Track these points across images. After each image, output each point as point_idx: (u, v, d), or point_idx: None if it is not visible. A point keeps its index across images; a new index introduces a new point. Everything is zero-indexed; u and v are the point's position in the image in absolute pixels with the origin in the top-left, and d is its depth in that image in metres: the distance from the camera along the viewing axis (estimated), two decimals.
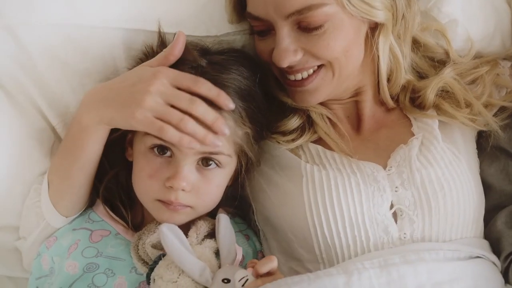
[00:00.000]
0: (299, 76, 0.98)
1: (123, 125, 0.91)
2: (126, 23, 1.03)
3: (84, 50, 1.03)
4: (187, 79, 0.89)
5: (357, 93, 1.06)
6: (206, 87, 0.89)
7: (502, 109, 1.10)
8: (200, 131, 0.87)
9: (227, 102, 0.90)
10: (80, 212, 1.02)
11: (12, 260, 1.10)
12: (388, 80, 1.04)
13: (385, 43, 0.99)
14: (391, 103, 1.05)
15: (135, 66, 0.97)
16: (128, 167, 1.01)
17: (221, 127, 0.88)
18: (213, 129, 0.88)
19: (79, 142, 0.94)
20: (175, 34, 0.95)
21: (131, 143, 1.00)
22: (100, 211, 1.03)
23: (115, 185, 1.04)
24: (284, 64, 0.96)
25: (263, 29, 0.99)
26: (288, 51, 0.95)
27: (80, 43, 1.03)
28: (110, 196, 1.04)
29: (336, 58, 0.96)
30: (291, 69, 0.98)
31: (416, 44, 1.07)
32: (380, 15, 0.96)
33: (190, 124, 0.87)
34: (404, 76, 1.04)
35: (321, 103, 1.04)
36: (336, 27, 0.94)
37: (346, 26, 0.95)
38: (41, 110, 1.04)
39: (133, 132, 0.98)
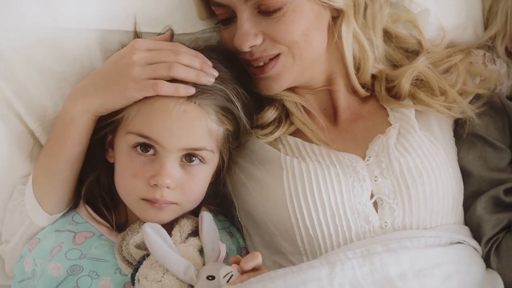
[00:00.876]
0: (261, 63, 1.01)
1: (117, 103, 0.93)
2: (101, 24, 1.04)
3: (60, 53, 1.04)
4: (165, 43, 0.94)
5: (329, 82, 1.08)
6: (185, 48, 0.94)
7: (477, 96, 1.13)
8: (191, 72, 0.92)
9: (205, 60, 0.95)
10: (64, 211, 1.03)
11: None
12: (358, 68, 1.06)
13: (347, 32, 1.01)
14: (362, 91, 1.08)
15: None
16: (109, 169, 1.02)
17: (210, 69, 0.94)
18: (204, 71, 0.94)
19: (64, 136, 0.96)
20: (150, 32, 0.98)
21: (111, 144, 1.01)
22: (84, 213, 1.04)
23: (97, 187, 1.05)
24: (245, 47, 0.98)
25: (227, 17, 1.01)
26: (249, 34, 0.97)
27: (56, 46, 1.04)
28: (93, 198, 1.04)
29: (295, 42, 0.98)
30: (252, 57, 1.00)
31: (388, 35, 1.10)
32: (339, 1, 0.99)
33: (181, 68, 0.91)
34: (374, 65, 1.06)
35: (294, 92, 1.06)
36: (295, 10, 0.96)
37: (306, 9, 0.97)
38: (19, 114, 1.05)
39: (114, 133, 0.99)
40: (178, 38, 1.04)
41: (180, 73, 0.92)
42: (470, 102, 1.11)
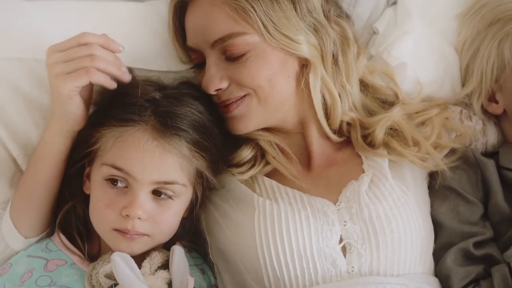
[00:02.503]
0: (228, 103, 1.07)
1: (67, 110, 0.98)
2: None
3: (46, 83, 1.09)
4: (71, 39, 0.97)
5: (302, 126, 1.14)
6: (92, 36, 0.97)
7: (452, 151, 1.19)
8: (111, 65, 0.97)
9: (117, 45, 0.99)
10: (39, 236, 1.07)
11: None
12: (329, 115, 1.11)
13: (315, 80, 1.08)
14: (334, 137, 1.13)
15: None
16: (86, 200, 1.07)
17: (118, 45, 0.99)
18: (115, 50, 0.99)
19: (41, 157, 1.03)
20: (140, 69, 1.06)
21: (88, 176, 1.06)
22: (58, 241, 1.07)
23: (74, 216, 1.09)
24: (211, 90, 1.05)
25: (200, 61, 1.09)
26: (215, 78, 1.05)
27: (44, 78, 1.09)
28: (68, 226, 1.09)
29: (259, 86, 1.05)
30: (219, 100, 1.07)
31: (365, 85, 1.17)
32: (304, 50, 1.06)
33: (100, 59, 0.95)
34: (346, 113, 1.11)
35: (270, 133, 1.12)
36: (258, 56, 1.04)
37: (269, 56, 1.04)
38: (2, 140, 1.10)
39: (91, 165, 1.04)
40: (162, 75, 1.12)
41: (102, 64, 0.96)
42: (445, 156, 1.17)
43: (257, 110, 1.07)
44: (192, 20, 1.08)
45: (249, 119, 1.08)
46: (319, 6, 1.09)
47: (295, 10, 1.05)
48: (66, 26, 1.09)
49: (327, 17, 1.10)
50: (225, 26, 1.03)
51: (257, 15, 1.02)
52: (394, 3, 1.32)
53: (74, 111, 0.99)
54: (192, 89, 1.09)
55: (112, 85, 1.00)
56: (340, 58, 1.10)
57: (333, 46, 1.09)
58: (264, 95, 1.06)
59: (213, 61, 1.05)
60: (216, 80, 1.05)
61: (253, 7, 1.02)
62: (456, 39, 1.25)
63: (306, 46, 1.05)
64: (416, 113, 1.17)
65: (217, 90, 1.06)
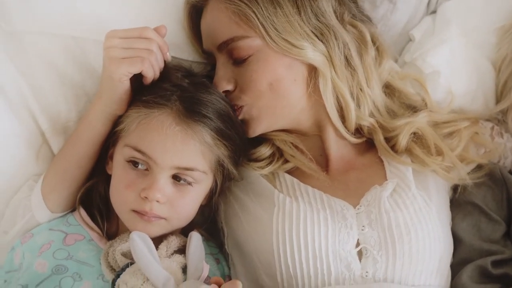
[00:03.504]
0: None
1: (111, 90, 1.02)
2: None
3: (81, 62, 1.15)
4: (134, 29, 1.01)
5: (319, 129, 1.15)
6: (155, 33, 1.01)
7: (479, 167, 1.19)
8: (160, 52, 1.02)
9: (168, 53, 1.05)
10: (64, 213, 1.11)
11: None
12: (345, 118, 1.12)
13: (325, 84, 1.08)
14: (351, 139, 1.13)
15: None
16: (107, 179, 1.10)
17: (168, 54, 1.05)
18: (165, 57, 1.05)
19: (79, 135, 1.07)
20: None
21: (111, 157, 1.10)
22: (78, 216, 1.11)
23: (96, 194, 1.13)
24: (219, 90, 1.08)
25: (214, 63, 1.13)
26: (222, 79, 1.09)
27: (78, 55, 1.15)
28: (90, 204, 1.12)
29: (259, 91, 1.07)
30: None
31: (391, 89, 1.18)
32: (308, 56, 1.06)
33: (156, 50, 1.01)
34: (364, 118, 1.11)
35: (290, 133, 1.14)
36: (260, 60, 1.06)
37: (272, 60, 1.06)
38: (33, 112, 1.15)
39: (114, 146, 1.07)
40: (197, 65, 1.16)
41: (154, 62, 1.01)
42: (471, 171, 1.17)
43: (263, 115, 1.09)
44: (203, 24, 1.13)
45: (256, 123, 1.10)
46: (330, 9, 1.09)
47: (299, 14, 1.06)
48: (102, 5, 1.13)
49: (340, 20, 1.11)
50: (228, 30, 1.06)
51: (258, 20, 1.04)
52: (433, 12, 1.33)
53: (121, 95, 1.02)
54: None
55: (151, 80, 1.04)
56: (355, 61, 1.11)
57: (346, 49, 1.10)
58: (265, 102, 1.08)
59: (221, 63, 1.09)
60: (223, 82, 1.09)
61: (254, 12, 1.04)
62: (494, 54, 1.25)
63: (310, 52, 1.06)
64: (444, 123, 1.17)
65: (224, 92, 1.09)
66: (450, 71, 1.22)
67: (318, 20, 1.08)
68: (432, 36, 1.26)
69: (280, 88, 1.08)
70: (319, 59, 1.07)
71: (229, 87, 1.09)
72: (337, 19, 1.11)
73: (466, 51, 1.24)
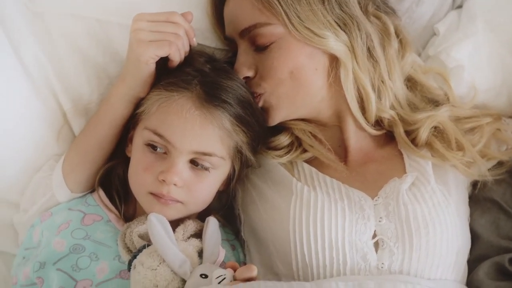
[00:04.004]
0: None
1: (140, 75, 1.04)
2: None
3: (104, 45, 1.17)
4: (162, 13, 1.03)
5: (338, 119, 1.15)
6: (182, 18, 1.03)
7: (500, 164, 1.18)
8: (186, 38, 1.04)
9: (195, 38, 1.07)
10: (84, 193, 1.13)
11: (6, 235, 1.20)
12: (365, 109, 1.12)
13: (346, 74, 1.09)
14: (371, 130, 1.13)
15: None
16: (126, 162, 1.12)
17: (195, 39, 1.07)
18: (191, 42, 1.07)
19: (101, 117, 1.09)
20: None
21: (131, 140, 1.11)
22: (97, 197, 1.13)
23: (115, 176, 1.15)
24: (240, 76, 1.09)
25: (236, 51, 1.13)
26: (243, 66, 1.09)
27: (102, 38, 1.17)
28: (109, 185, 1.14)
29: (279, 79, 1.08)
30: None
31: (413, 83, 1.18)
32: (330, 45, 1.07)
33: (183, 35, 1.03)
34: (385, 110, 1.12)
35: (310, 123, 1.14)
36: (281, 47, 1.07)
37: (293, 48, 1.07)
38: (56, 93, 1.17)
39: (134, 128, 1.09)
40: (220, 52, 1.17)
41: (181, 46, 1.03)
42: (492, 168, 1.17)
43: (283, 103, 1.10)
44: (226, 10, 1.14)
45: (275, 111, 1.11)
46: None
47: (323, 3, 1.06)
48: None
49: (364, 11, 1.11)
50: (251, 16, 1.07)
51: (281, 7, 1.05)
52: (459, 6, 1.32)
53: (146, 78, 1.04)
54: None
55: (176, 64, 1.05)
56: (378, 52, 1.11)
57: (369, 40, 1.10)
58: (285, 90, 1.08)
59: (243, 49, 1.10)
60: (244, 68, 1.09)
61: None
62: None
63: (332, 41, 1.07)
64: (466, 118, 1.17)
65: (244, 78, 1.09)
66: (473, 66, 1.21)
67: (342, 10, 1.08)
68: (457, 31, 1.26)
69: (301, 77, 1.08)
70: (341, 49, 1.07)
71: (250, 73, 1.09)
72: (361, 10, 1.11)
73: (491, 47, 1.24)
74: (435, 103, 1.17)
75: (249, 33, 1.08)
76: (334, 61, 1.09)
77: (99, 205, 1.12)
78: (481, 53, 1.22)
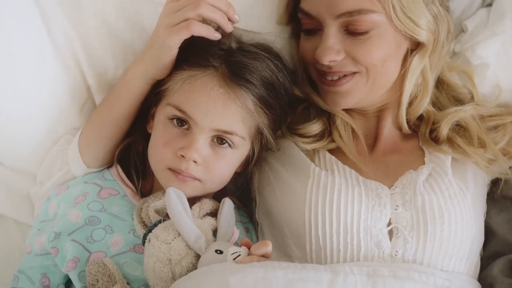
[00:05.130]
0: (335, 77, 1.11)
1: (163, 58, 1.04)
2: None
3: (132, 22, 1.19)
4: None
5: (381, 110, 1.18)
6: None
7: None
8: (217, 12, 1.02)
9: (236, 15, 1.06)
10: (100, 168, 1.16)
11: (23, 206, 1.23)
12: (411, 104, 1.15)
13: (418, 65, 1.11)
14: (406, 127, 1.16)
15: None
16: (146, 138, 1.14)
17: (235, 14, 1.05)
18: (228, 15, 1.05)
19: (119, 94, 1.10)
20: None
21: (153, 116, 1.13)
22: (114, 172, 1.16)
23: (133, 152, 1.17)
24: (326, 60, 1.09)
25: (311, 28, 1.13)
26: (332, 49, 1.09)
27: (131, 14, 1.19)
28: (126, 161, 1.17)
29: (373, 65, 1.09)
30: (329, 70, 1.11)
31: (439, 81, 1.20)
32: (423, 35, 1.09)
33: (207, 6, 1.01)
34: (426, 105, 1.15)
35: (348, 113, 1.16)
36: (381, 35, 1.08)
37: (390, 37, 1.08)
38: (81, 67, 1.20)
39: (157, 105, 1.11)
40: (244, 33, 1.16)
41: (206, 11, 1.01)
42: None
43: (363, 89, 1.11)
44: None
45: (352, 95, 1.12)
46: None
47: None
48: None
49: (445, 7, 1.14)
50: (356, 1, 1.06)
51: None
52: (489, 5, 1.33)
53: (167, 62, 1.06)
54: (268, 52, 1.13)
55: (216, 36, 1.04)
56: (445, 49, 1.14)
57: (447, 37, 1.13)
58: (374, 75, 1.10)
59: (333, 32, 1.09)
60: (333, 51, 1.09)
61: None
62: None
63: (425, 32, 1.09)
64: (490, 116, 1.19)
65: (331, 61, 1.09)
66: (499, 65, 1.22)
67: (434, 4, 1.11)
68: (485, 28, 1.27)
69: (389, 66, 1.10)
70: (430, 40, 1.10)
71: (339, 57, 1.09)
72: (442, 5, 1.14)
73: None
74: (460, 102, 1.19)
75: (349, 17, 1.07)
76: (410, 52, 1.11)
77: (116, 180, 1.14)
78: (508, 52, 1.23)
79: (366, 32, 1.07)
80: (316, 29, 1.12)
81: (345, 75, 1.10)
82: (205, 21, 1.04)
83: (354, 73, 1.10)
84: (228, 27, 1.06)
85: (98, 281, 0.99)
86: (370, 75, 1.10)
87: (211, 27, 1.04)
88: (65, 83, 1.18)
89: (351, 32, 1.08)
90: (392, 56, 1.10)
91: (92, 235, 1.06)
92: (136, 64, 1.09)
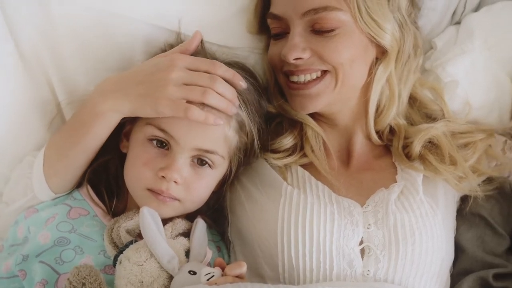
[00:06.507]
0: (302, 78, 1.13)
1: (145, 113, 1.03)
2: (151, 19, 1.18)
3: (107, 38, 1.18)
4: (204, 62, 1.04)
5: (352, 123, 1.20)
6: (223, 69, 1.04)
7: (489, 180, 1.23)
8: (223, 102, 1.02)
9: (242, 82, 1.06)
10: (68, 192, 1.14)
11: None
12: (380, 114, 1.18)
13: (383, 73, 1.14)
14: (374, 136, 1.19)
15: None
16: (120, 157, 1.13)
17: (237, 102, 1.05)
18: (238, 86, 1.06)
19: (87, 126, 1.06)
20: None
21: (127, 135, 1.13)
22: (84, 192, 1.15)
23: (104, 171, 1.16)
24: (291, 57, 1.10)
25: (280, 32, 1.15)
26: (298, 46, 1.11)
27: (105, 30, 1.18)
28: (96, 180, 1.15)
29: (341, 64, 1.11)
30: (296, 69, 1.12)
31: (411, 97, 1.23)
32: (387, 40, 1.12)
33: (214, 96, 1.01)
34: (395, 117, 1.17)
35: (319, 125, 1.18)
36: (346, 35, 1.10)
37: (356, 38, 1.11)
38: (51, 82, 1.19)
39: (133, 123, 1.10)
40: (218, 49, 1.18)
41: (212, 101, 1.02)
42: (481, 183, 1.21)
43: (332, 92, 1.13)
44: None
45: (321, 98, 1.14)
46: (405, 5, 1.15)
47: (388, 1, 1.12)
48: None
49: (411, 20, 1.18)
50: None
51: None
52: (458, 22, 1.37)
53: (154, 115, 1.03)
54: (242, 71, 1.14)
55: (216, 122, 1.02)
56: (411, 62, 1.17)
57: (412, 48, 1.16)
58: (342, 76, 1.12)
59: (299, 31, 1.11)
60: (299, 49, 1.11)
61: None
62: None
63: (390, 36, 1.12)
64: (461, 133, 1.22)
65: (296, 59, 1.11)
66: (468, 83, 1.26)
67: (400, 13, 1.15)
68: (454, 46, 1.30)
69: (357, 67, 1.13)
70: (393, 46, 1.13)
71: (305, 55, 1.11)
72: (409, 17, 1.17)
73: (487, 65, 1.28)
74: (432, 118, 1.22)
75: (314, 15, 1.09)
76: (376, 60, 1.14)
77: (86, 199, 1.13)
78: (477, 70, 1.27)
79: (332, 30, 1.10)
80: (284, 33, 1.14)
81: (313, 80, 1.12)
82: None
83: (324, 73, 1.12)
84: (231, 113, 1.05)
85: (85, 284, 0.94)
86: (339, 75, 1.11)
87: (209, 115, 1.01)
88: (32, 98, 1.17)
89: (317, 30, 1.10)
90: (359, 58, 1.12)
91: (61, 256, 1.05)
92: (107, 97, 1.04)
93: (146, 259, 0.96)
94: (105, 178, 1.16)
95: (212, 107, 1.02)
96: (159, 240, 0.96)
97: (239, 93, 1.07)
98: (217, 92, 1.02)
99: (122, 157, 1.13)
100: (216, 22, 1.20)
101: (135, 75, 1.05)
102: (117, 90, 1.04)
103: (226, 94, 1.04)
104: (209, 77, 1.02)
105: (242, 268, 0.95)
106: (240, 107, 1.07)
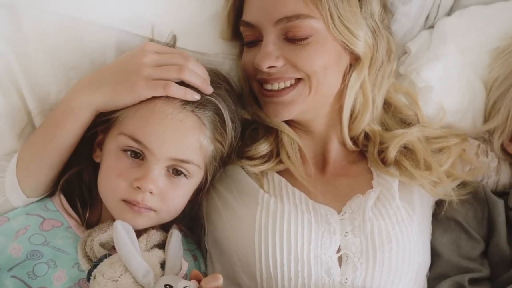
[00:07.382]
0: (276, 86, 1.12)
1: (123, 100, 1.03)
2: (122, 25, 1.16)
3: (77, 44, 1.16)
4: (174, 49, 1.05)
5: (326, 130, 1.20)
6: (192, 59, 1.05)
7: (463, 184, 1.25)
8: (199, 77, 1.04)
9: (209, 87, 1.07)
10: (41, 197, 1.11)
11: None
12: (354, 120, 1.18)
13: (356, 79, 1.14)
14: (349, 142, 1.19)
15: None
16: (93, 167, 1.11)
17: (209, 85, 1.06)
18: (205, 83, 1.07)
19: (61, 123, 1.05)
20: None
21: (100, 145, 1.11)
22: (57, 202, 1.12)
23: (78, 181, 1.14)
24: (264, 66, 1.10)
25: (253, 40, 1.14)
26: (271, 54, 1.10)
27: (75, 37, 1.15)
28: (70, 190, 1.13)
29: (314, 72, 1.11)
30: (270, 77, 1.12)
31: (386, 102, 1.23)
32: (360, 47, 1.12)
33: (190, 72, 1.03)
34: (370, 123, 1.18)
35: (294, 131, 1.17)
36: (320, 42, 1.10)
37: (329, 46, 1.11)
38: (21, 90, 1.16)
39: (105, 133, 1.09)
40: (192, 55, 1.13)
41: (189, 77, 1.03)
42: (456, 188, 1.23)
43: (306, 99, 1.13)
44: None
45: (295, 106, 1.13)
46: (378, 12, 1.16)
47: (360, 8, 1.12)
48: None
49: (384, 26, 1.18)
50: (294, 6, 1.08)
51: (326, 2, 1.08)
52: (431, 27, 1.38)
53: (128, 104, 1.03)
54: (217, 77, 1.13)
55: (194, 97, 1.04)
56: (385, 68, 1.18)
57: (386, 55, 1.17)
58: (316, 83, 1.11)
59: (272, 39, 1.11)
60: (272, 57, 1.10)
61: None
62: (487, 74, 1.30)
63: (362, 44, 1.12)
64: (435, 138, 1.23)
65: (269, 67, 1.10)
66: (442, 87, 1.27)
67: (373, 20, 1.15)
68: (428, 50, 1.31)
69: (330, 75, 1.12)
70: (366, 53, 1.13)
71: (278, 63, 1.10)
72: (382, 23, 1.18)
73: (460, 69, 1.30)
74: (406, 123, 1.22)
75: (287, 23, 1.09)
76: (350, 67, 1.14)
77: (59, 210, 1.11)
78: (451, 74, 1.28)
79: (305, 38, 1.10)
80: (257, 40, 1.14)
81: (287, 87, 1.12)
82: None
83: (298, 81, 1.12)
84: (208, 89, 1.06)
85: None
86: (313, 83, 1.11)
87: (188, 90, 1.03)
88: (2, 106, 1.14)
89: (290, 39, 1.10)
90: (333, 66, 1.12)
91: (34, 270, 1.03)
92: (82, 92, 1.05)
93: (121, 274, 0.95)
94: (79, 187, 1.13)
95: (188, 85, 1.03)
96: (134, 255, 0.95)
97: (216, 99, 1.07)
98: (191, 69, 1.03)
99: (96, 167, 1.10)
100: (189, 27, 1.18)
101: (108, 68, 1.07)
102: (92, 84, 1.05)
103: (200, 72, 1.05)
104: (182, 56, 1.04)
105: (218, 281, 0.94)
106: (214, 114, 1.06)
